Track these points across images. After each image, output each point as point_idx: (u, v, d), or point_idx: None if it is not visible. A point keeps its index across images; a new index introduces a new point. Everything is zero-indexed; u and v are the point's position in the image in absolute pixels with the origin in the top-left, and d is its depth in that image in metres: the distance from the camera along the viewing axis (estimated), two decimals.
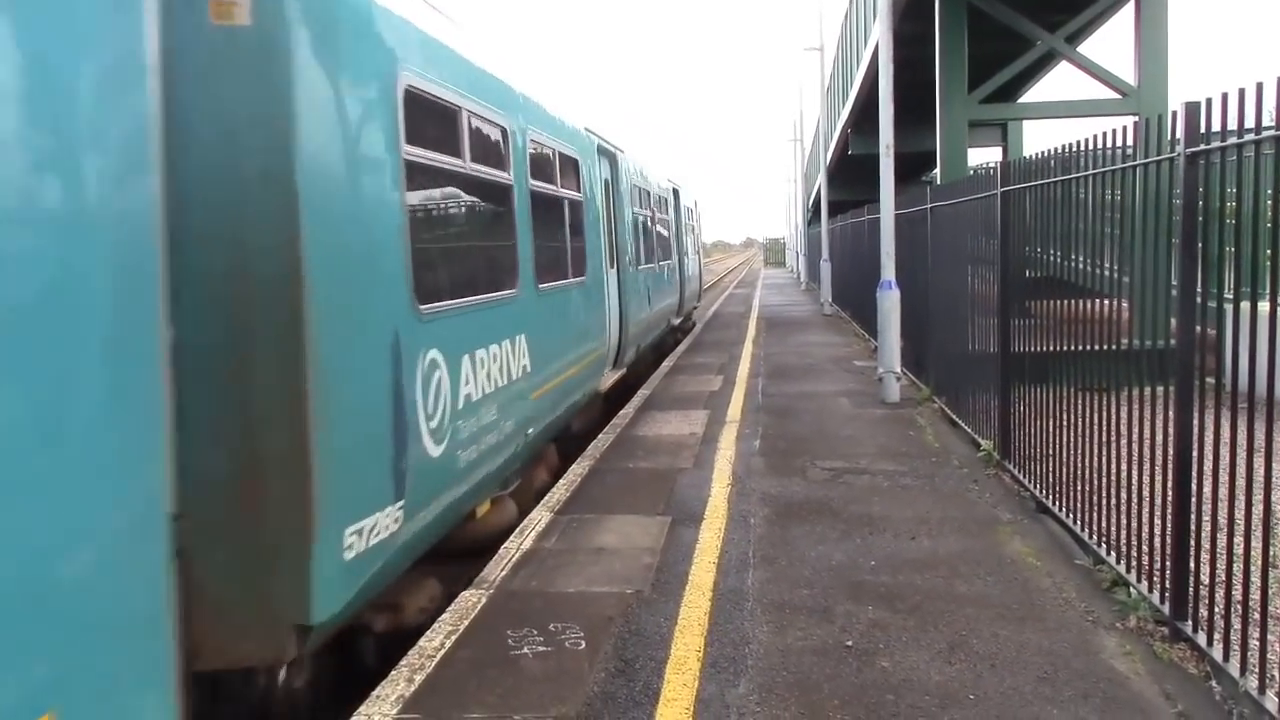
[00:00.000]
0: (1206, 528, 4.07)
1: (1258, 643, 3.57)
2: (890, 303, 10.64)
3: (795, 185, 58.41)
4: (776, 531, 5.98)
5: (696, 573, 5.29)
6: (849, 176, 34.83)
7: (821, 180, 30.53)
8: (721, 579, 5.20)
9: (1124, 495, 4.82)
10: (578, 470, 7.78)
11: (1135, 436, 4.70)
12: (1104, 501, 5.10)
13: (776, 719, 3.71)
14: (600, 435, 9.22)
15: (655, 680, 4.05)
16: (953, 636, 4.38)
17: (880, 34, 11.00)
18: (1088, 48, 20.17)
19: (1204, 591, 4.06)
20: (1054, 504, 5.94)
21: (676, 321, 18.08)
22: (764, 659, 4.21)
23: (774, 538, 5.86)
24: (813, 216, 43.76)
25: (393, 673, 4.20)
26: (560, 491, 7.14)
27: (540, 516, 6.48)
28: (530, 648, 4.40)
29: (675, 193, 18.49)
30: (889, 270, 10.73)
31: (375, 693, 4.02)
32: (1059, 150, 5.78)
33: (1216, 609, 3.95)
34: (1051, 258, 6.18)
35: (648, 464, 7.96)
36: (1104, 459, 5.10)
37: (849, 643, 4.34)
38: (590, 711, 3.81)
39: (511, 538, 6.03)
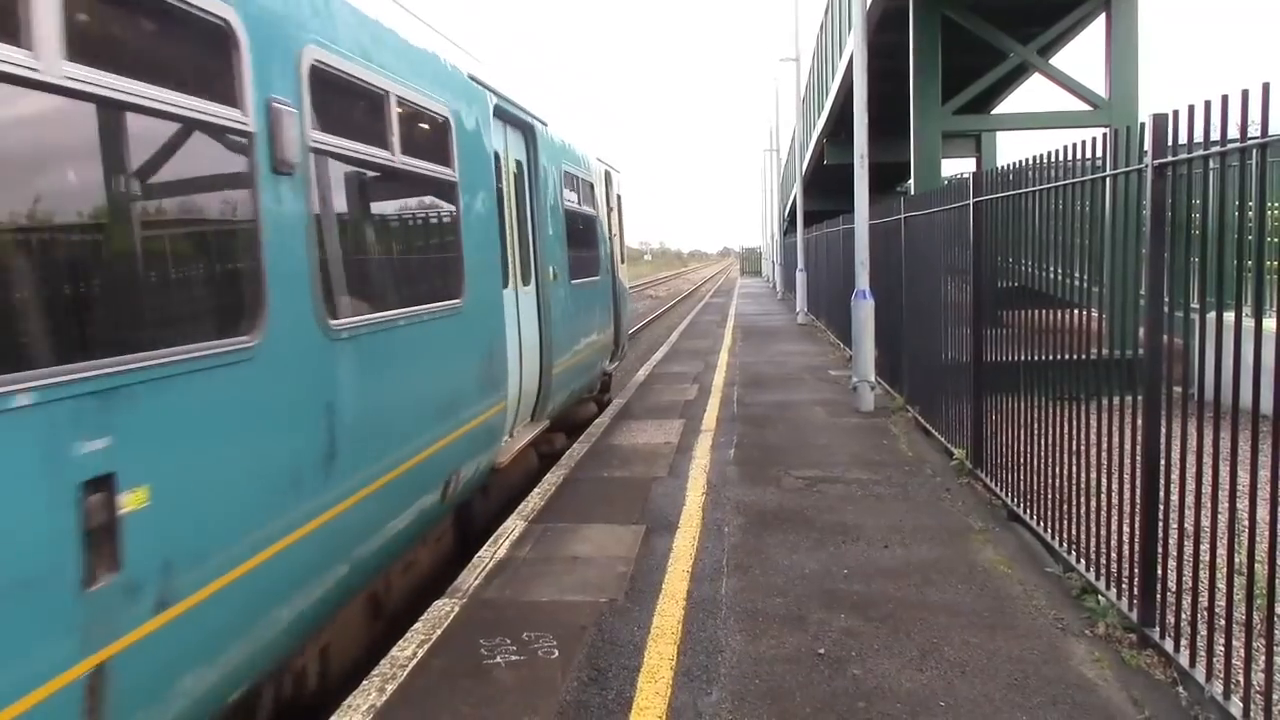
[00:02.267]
0: (1174, 535, 4.11)
1: (1223, 648, 3.61)
2: (865, 312, 10.70)
3: (771, 195, 58.56)
4: (750, 540, 5.99)
5: (670, 581, 5.29)
6: (825, 186, 35.04)
7: (797, 190, 30.70)
8: (695, 587, 5.19)
9: (1094, 503, 4.86)
10: (552, 479, 7.76)
11: (1105, 445, 4.75)
12: (1074, 509, 5.14)
13: None
14: (575, 445, 9.20)
15: (628, 689, 4.03)
16: (924, 644, 4.39)
17: (855, 45, 11.09)
18: (1060, 60, 20.42)
19: (1171, 598, 4.10)
20: (1025, 512, 5.99)
21: (533, 434, 8.19)
22: (737, 667, 4.21)
23: (748, 546, 5.86)
24: (789, 226, 43.92)
25: (364, 682, 4.16)
26: (535, 500, 7.11)
27: (515, 525, 6.45)
28: (503, 657, 4.37)
29: (565, 152, 9.41)
30: (863, 280, 10.80)
31: (346, 702, 3.98)
32: (1030, 161, 5.85)
33: (1183, 615, 3.98)
34: (1023, 268, 6.24)
35: (623, 473, 7.95)
36: (1074, 467, 5.14)
37: (821, 650, 4.35)
38: None
39: (485, 547, 6.00)
